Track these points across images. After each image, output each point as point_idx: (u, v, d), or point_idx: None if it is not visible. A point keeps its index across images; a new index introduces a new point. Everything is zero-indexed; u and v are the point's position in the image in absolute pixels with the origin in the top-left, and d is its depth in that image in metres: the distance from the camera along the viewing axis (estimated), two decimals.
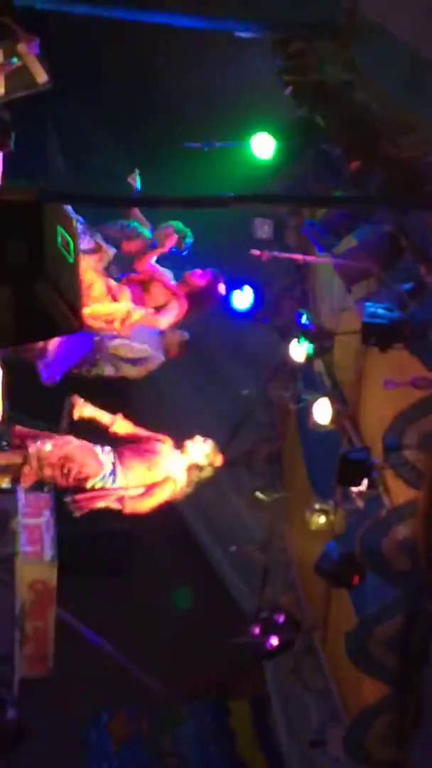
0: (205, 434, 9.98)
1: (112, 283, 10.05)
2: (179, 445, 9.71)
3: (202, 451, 9.71)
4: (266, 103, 9.46)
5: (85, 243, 9.88)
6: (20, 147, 8.83)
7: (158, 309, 10.24)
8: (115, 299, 9.93)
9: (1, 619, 9.44)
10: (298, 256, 10.32)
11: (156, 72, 11.33)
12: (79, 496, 9.17)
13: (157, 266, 10.35)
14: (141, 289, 10.27)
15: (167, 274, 10.36)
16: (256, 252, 9.92)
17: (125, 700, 12.96)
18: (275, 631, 10.41)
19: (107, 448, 9.41)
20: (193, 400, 13.15)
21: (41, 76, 9.48)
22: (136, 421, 9.84)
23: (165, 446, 9.63)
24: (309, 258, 10.11)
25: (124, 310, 9.85)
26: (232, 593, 13.25)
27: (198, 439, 9.76)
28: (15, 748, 10.10)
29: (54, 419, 10.65)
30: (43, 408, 10.14)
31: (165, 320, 10.27)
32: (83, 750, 12.76)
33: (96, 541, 13.09)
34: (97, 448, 9.35)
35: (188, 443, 9.71)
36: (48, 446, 9.05)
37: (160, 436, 9.69)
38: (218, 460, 9.85)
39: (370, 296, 8.76)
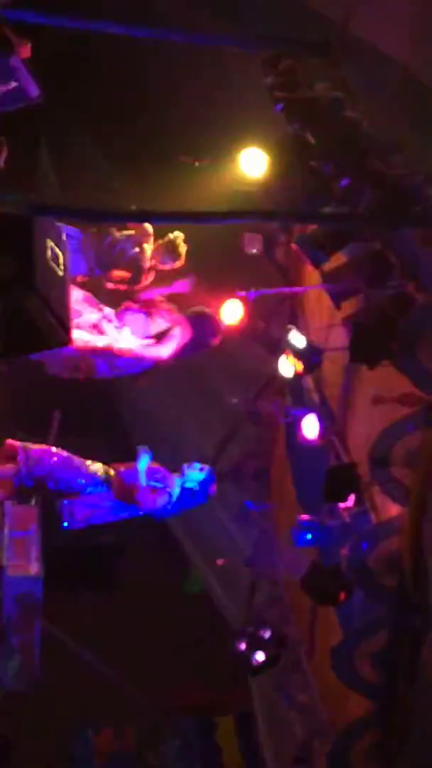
0: (194, 448, 9.96)
1: (107, 311, 9.81)
2: (176, 468, 9.67)
3: (198, 476, 9.66)
4: (256, 120, 9.49)
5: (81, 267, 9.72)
6: (12, 161, 8.84)
7: (160, 337, 9.98)
8: (100, 332, 9.69)
9: None
10: (286, 290, 10.37)
11: (148, 87, 11.37)
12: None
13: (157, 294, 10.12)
14: (145, 314, 10.03)
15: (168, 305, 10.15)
16: (241, 293, 9.95)
17: (111, 715, 12.93)
18: (261, 646, 10.41)
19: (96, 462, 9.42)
20: (182, 415, 13.17)
21: (33, 90, 9.53)
22: (125, 436, 9.82)
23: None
24: (297, 290, 10.14)
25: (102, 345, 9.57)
26: (219, 608, 13.25)
27: (195, 465, 9.72)
28: (0, 762, 10.07)
29: (42, 432, 10.70)
30: (32, 420, 10.16)
31: (167, 349, 10.02)
32: (68, 764, 12.72)
33: (83, 554, 13.08)
34: (86, 462, 9.36)
35: (185, 467, 9.67)
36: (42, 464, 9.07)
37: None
38: (213, 489, 9.81)
39: (358, 313, 8.79)
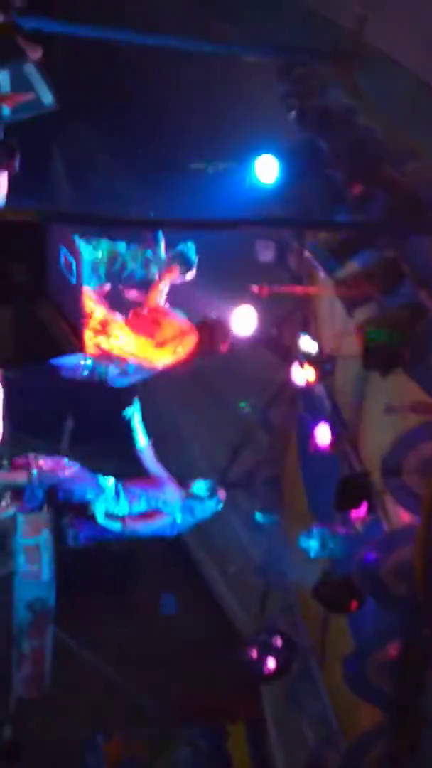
0: (205, 456, 9.97)
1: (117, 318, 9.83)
2: (184, 483, 9.70)
3: (205, 489, 9.70)
4: (270, 127, 9.50)
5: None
6: (25, 168, 8.87)
7: (167, 343, 9.98)
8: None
9: None
10: (298, 288, 10.35)
11: (161, 94, 11.39)
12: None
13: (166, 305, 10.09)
14: (152, 322, 10.02)
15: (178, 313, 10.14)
16: (255, 288, 9.94)
17: (121, 722, 12.91)
18: (272, 654, 10.39)
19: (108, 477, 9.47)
20: (194, 423, 13.16)
21: (47, 99, 9.57)
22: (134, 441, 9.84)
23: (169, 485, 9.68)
24: (310, 289, 10.13)
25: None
26: (230, 616, 13.23)
27: (201, 480, 9.77)
28: None
29: (55, 439, 10.71)
30: (44, 426, 10.16)
31: (175, 356, 10.01)
32: None
33: (95, 561, 13.06)
34: (97, 475, 9.41)
35: (192, 482, 9.70)
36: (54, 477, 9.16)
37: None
38: (222, 495, 9.85)
39: (371, 321, 8.77)
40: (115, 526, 9.40)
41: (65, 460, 9.35)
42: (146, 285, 9.83)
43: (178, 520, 9.62)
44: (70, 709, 12.36)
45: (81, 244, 9.38)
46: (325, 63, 8.48)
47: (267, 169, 9.66)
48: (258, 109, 9.63)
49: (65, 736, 12.50)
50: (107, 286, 9.92)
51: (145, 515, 9.54)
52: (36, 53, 9.05)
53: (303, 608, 12.13)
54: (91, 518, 9.37)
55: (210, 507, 9.76)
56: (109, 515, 9.38)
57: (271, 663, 10.42)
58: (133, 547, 12.60)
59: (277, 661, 10.42)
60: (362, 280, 8.69)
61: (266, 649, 10.42)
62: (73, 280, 6.73)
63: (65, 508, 9.37)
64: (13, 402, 9.29)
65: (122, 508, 9.44)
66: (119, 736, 12.87)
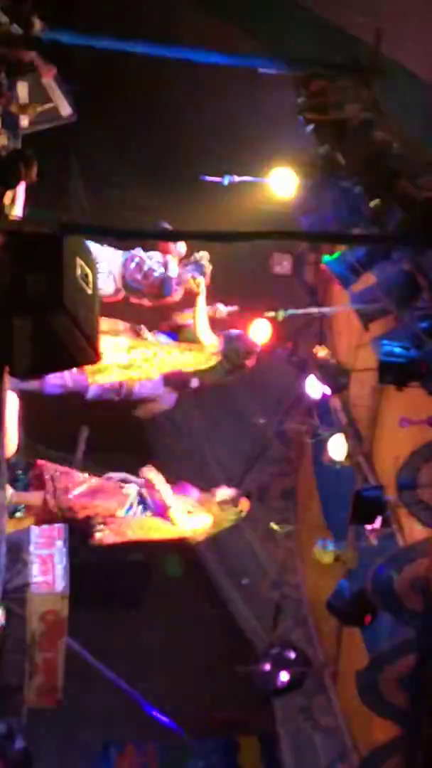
0: (221, 467, 9.95)
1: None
2: (206, 492, 9.66)
3: (227, 499, 9.66)
4: (287, 140, 9.51)
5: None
6: (43, 179, 8.89)
7: None
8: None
9: (11, 649, 9.39)
10: (314, 310, 10.40)
11: (179, 107, 11.42)
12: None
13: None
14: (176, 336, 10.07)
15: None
16: (270, 314, 9.98)
17: (134, 735, 12.88)
18: (286, 667, 10.36)
19: (131, 480, 9.45)
20: (209, 434, 13.16)
21: (65, 110, 9.61)
22: (152, 454, 9.83)
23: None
24: (324, 310, 10.17)
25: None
26: (244, 627, 13.20)
27: (224, 489, 9.72)
28: None
29: (70, 449, 10.70)
30: (59, 438, 10.16)
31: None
32: None
33: (110, 573, 13.06)
34: (120, 483, 9.39)
35: (215, 491, 9.67)
36: (70, 495, 9.13)
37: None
38: (245, 506, 9.79)
39: (387, 334, 8.76)
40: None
41: (78, 474, 9.33)
42: (164, 286, 9.90)
43: (202, 527, 9.57)
44: (82, 720, 12.34)
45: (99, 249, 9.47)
46: (342, 76, 8.48)
47: (283, 182, 9.67)
48: (275, 121, 9.64)
49: (77, 747, 12.49)
50: (121, 294, 9.96)
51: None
52: (49, 73, 9.11)
53: (317, 621, 12.10)
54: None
55: (231, 516, 9.69)
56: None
57: (284, 676, 10.39)
58: (148, 559, 12.62)
59: (290, 674, 10.39)
60: (378, 293, 8.70)
61: (279, 662, 10.39)
62: (89, 292, 6.73)
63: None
64: (28, 411, 9.31)
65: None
66: (132, 747, 12.85)
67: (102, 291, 8.82)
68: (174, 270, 9.87)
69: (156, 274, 9.88)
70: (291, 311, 10.22)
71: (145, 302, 10.06)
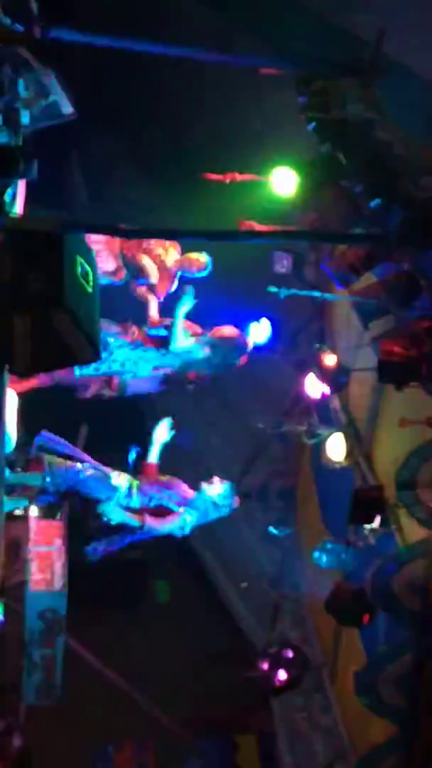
0: (220, 467, 9.96)
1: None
2: (196, 485, 9.70)
3: (219, 492, 9.69)
4: (288, 139, 9.50)
5: None
6: (43, 176, 8.88)
7: None
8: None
9: (10, 647, 9.40)
10: (315, 294, 10.36)
11: (180, 105, 11.41)
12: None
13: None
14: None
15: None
16: (272, 289, 9.97)
17: (132, 733, 12.89)
18: (284, 666, 10.35)
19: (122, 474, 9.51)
20: (208, 434, 13.15)
21: (66, 108, 9.59)
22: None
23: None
24: (327, 296, 10.14)
25: None
26: (242, 627, 13.20)
27: (216, 480, 9.74)
28: None
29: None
30: (58, 433, 10.15)
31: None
32: None
33: (108, 571, 13.04)
34: (111, 473, 9.44)
35: (205, 484, 9.70)
36: None
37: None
38: (235, 501, 9.82)
39: (387, 334, 8.76)
40: (135, 522, 9.41)
41: (77, 464, 9.39)
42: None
43: (190, 521, 9.61)
44: (80, 718, 12.35)
45: None
46: (344, 75, 8.47)
47: (284, 181, 9.67)
48: (276, 120, 9.64)
49: (76, 745, 12.49)
50: (122, 273, 10.08)
51: (161, 514, 9.53)
52: (50, 71, 9.10)
53: (315, 621, 12.10)
54: (112, 529, 9.41)
55: (223, 510, 9.73)
56: (127, 508, 9.40)
57: (282, 675, 10.37)
58: (146, 557, 12.61)
59: (288, 674, 10.37)
60: (378, 292, 8.69)
61: (277, 662, 10.38)
62: (90, 290, 6.73)
63: (84, 519, 9.42)
64: (27, 408, 9.33)
65: (135, 504, 9.47)
66: (130, 745, 12.86)
67: (102, 268, 8.99)
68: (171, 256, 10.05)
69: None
70: (293, 291, 10.21)
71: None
